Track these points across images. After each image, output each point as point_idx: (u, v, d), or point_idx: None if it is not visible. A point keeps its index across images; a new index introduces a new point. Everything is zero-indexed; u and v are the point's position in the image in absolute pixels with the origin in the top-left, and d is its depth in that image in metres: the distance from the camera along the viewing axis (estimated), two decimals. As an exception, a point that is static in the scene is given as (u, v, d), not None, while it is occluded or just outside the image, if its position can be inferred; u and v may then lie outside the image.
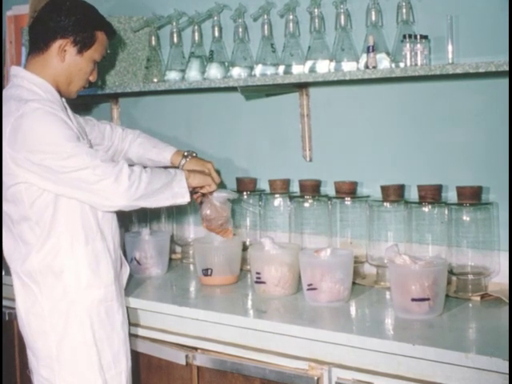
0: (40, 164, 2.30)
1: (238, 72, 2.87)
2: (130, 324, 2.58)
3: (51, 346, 2.41)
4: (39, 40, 2.44)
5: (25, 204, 2.37)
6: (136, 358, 2.61)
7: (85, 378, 2.41)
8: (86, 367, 2.41)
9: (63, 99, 2.52)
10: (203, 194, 2.65)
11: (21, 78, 2.43)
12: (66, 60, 2.43)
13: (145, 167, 2.45)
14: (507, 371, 1.88)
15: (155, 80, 3.15)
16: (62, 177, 2.32)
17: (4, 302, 3.00)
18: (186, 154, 2.73)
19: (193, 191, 2.58)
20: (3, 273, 2.90)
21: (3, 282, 2.92)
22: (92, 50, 2.45)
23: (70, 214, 2.40)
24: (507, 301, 2.36)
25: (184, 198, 2.48)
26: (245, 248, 2.88)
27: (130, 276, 2.68)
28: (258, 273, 2.59)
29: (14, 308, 2.96)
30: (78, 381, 2.41)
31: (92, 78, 2.53)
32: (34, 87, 2.40)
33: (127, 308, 2.58)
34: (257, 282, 2.61)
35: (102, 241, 2.46)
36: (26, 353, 2.52)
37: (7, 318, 3.02)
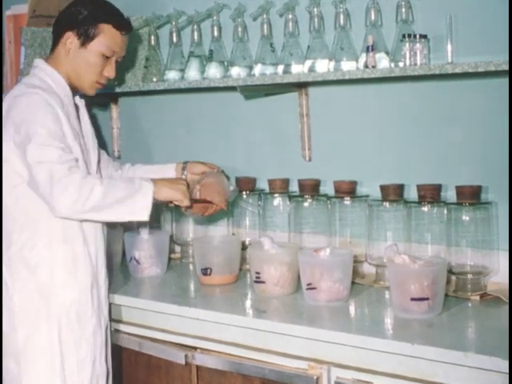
0: (20, 147, 2.30)
1: (237, 71, 2.87)
2: (130, 323, 2.58)
3: (19, 342, 2.38)
4: (53, 34, 2.52)
5: (5, 189, 2.37)
6: (135, 357, 2.62)
7: (46, 379, 2.39)
8: (47, 367, 2.39)
9: (78, 98, 2.54)
10: (177, 206, 2.52)
11: (39, 69, 2.48)
12: (71, 53, 2.47)
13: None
14: (506, 371, 1.88)
15: (154, 79, 3.15)
16: (30, 168, 2.29)
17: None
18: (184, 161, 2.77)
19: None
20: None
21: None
22: (95, 42, 2.46)
23: (48, 209, 2.33)
24: (506, 300, 2.36)
25: (143, 215, 2.35)
26: (244, 247, 2.88)
27: (130, 275, 2.68)
28: (257, 272, 2.59)
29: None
30: (41, 380, 2.39)
31: (107, 74, 2.51)
32: (48, 78, 2.45)
33: (126, 307, 2.58)
34: (256, 282, 2.61)
35: (83, 244, 2.43)
36: None
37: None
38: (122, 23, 2.52)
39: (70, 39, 2.46)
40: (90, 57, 2.47)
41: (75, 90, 2.52)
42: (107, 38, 2.47)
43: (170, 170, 2.77)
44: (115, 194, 2.31)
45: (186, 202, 2.47)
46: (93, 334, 2.44)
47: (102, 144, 3.43)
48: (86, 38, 2.46)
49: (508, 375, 1.88)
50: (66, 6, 2.52)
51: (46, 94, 2.36)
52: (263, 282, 2.58)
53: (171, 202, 2.47)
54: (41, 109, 2.33)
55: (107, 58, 2.49)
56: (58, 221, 2.36)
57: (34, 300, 2.38)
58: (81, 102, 2.57)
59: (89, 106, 2.62)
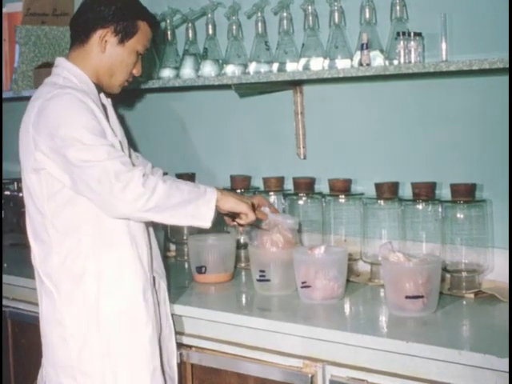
0: (58, 152, 2.18)
1: (231, 69, 2.86)
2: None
3: (72, 356, 2.27)
4: (80, 31, 2.37)
5: (43, 197, 2.25)
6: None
7: None
8: (101, 382, 2.27)
9: (103, 95, 2.43)
10: (240, 225, 2.40)
11: (61, 68, 2.36)
12: (107, 50, 2.35)
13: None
14: (500, 368, 1.88)
15: (149, 78, 3.15)
16: (75, 170, 2.17)
17: (4, 302, 2.98)
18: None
19: (227, 215, 2.39)
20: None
21: (3, 281, 2.91)
22: (134, 39, 2.37)
23: (92, 214, 2.23)
24: (501, 298, 2.36)
25: (205, 222, 2.23)
26: (239, 246, 2.88)
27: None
28: (261, 271, 2.56)
29: (8, 306, 2.96)
30: None
31: (136, 72, 2.43)
32: (72, 77, 2.33)
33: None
34: (260, 280, 2.58)
35: (131, 247, 2.29)
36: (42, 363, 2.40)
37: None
38: (154, 21, 2.46)
39: (107, 37, 2.35)
40: (126, 55, 2.38)
41: (100, 89, 2.40)
42: (143, 36, 2.39)
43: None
44: (179, 195, 2.20)
45: (251, 216, 2.35)
46: (149, 341, 2.30)
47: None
48: (124, 36, 2.35)
49: (508, 373, 1.88)
50: (87, 1, 2.39)
51: (76, 92, 2.25)
52: (268, 281, 2.55)
53: (233, 218, 2.38)
54: (76, 109, 2.21)
55: (138, 55, 2.42)
56: (102, 225, 2.25)
57: (82, 312, 2.27)
58: (107, 101, 2.45)
59: (115, 106, 2.52)
